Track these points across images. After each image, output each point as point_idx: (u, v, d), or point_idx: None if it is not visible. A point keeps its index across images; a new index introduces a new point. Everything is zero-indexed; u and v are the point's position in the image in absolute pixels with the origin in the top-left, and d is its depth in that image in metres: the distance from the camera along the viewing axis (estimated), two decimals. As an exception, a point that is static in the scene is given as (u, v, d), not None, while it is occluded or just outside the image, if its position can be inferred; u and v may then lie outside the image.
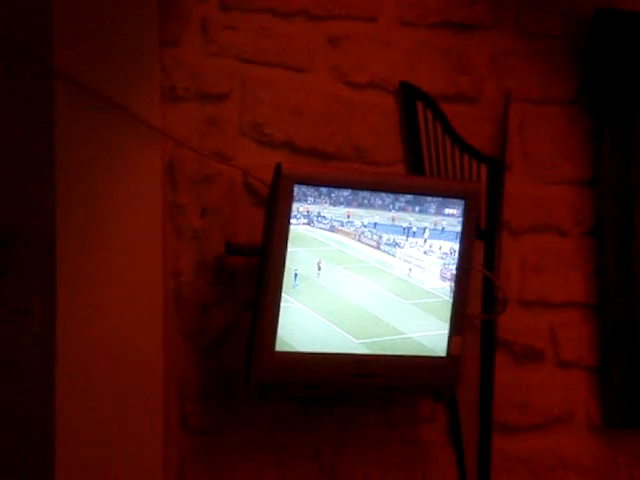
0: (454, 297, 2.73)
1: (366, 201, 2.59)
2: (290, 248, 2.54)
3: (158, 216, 2.58)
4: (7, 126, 2.53)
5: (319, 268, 2.61)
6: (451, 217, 2.67)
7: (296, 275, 2.56)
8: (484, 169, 2.93)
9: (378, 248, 2.63)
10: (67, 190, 2.48)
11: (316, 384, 2.64)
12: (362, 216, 2.60)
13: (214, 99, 2.69)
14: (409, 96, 2.88)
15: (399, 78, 2.88)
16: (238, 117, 2.72)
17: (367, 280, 2.64)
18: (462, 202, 2.72)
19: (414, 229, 2.65)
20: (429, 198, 2.66)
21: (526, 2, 3.01)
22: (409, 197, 2.63)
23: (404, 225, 2.64)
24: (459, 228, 2.70)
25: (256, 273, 2.59)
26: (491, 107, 2.96)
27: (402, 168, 2.88)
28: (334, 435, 2.76)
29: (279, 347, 2.56)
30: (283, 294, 2.54)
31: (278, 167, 2.56)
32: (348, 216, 2.58)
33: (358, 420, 2.79)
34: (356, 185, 2.64)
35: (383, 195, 2.62)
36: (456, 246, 2.70)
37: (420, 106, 2.89)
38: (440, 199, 2.68)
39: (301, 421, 2.73)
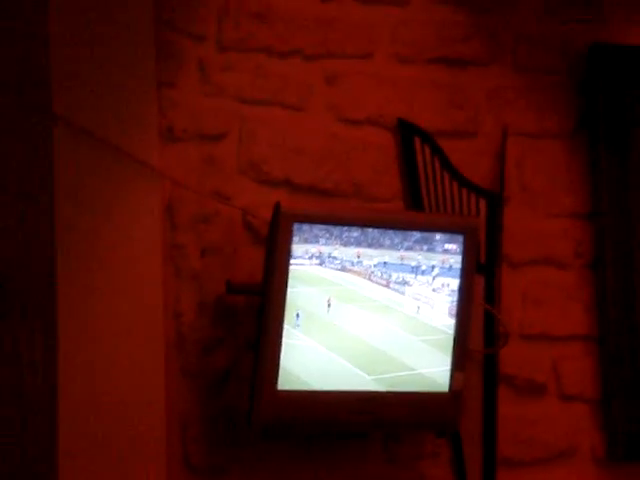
0: (455, 333, 2.73)
1: (375, 241, 2.63)
2: (301, 287, 2.56)
3: (158, 257, 2.59)
4: (7, 169, 2.53)
5: (329, 305, 2.62)
6: (452, 253, 2.68)
7: (298, 315, 2.58)
8: (483, 203, 2.94)
9: (388, 287, 2.67)
10: (67, 232, 2.48)
11: (318, 422, 2.64)
12: (372, 256, 2.64)
13: (212, 139, 2.71)
14: (407, 132, 2.89)
15: (396, 115, 2.89)
16: (236, 156, 2.74)
17: (377, 317, 2.68)
18: (461, 237, 2.73)
19: (423, 267, 2.69)
20: (437, 237, 2.68)
21: (522, 37, 3.03)
22: (417, 236, 2.67)
23: (412, 264, 2.69)
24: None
25: (257, 312, 2.59)
26: (489, 142, 2.98)
27: (401, 204, 2.89)
28: (337, 472, 2.76)
29: (284, 385, 2.56)
30: (291, 331, 2.55)
31: (277, 206, 2.57)
32: (358, 256, 2.63)
33: (361, 456, 2.79)
34: (355, 222, 2.65)
35: (392, 234, 2.65)
36: (463, 283, 2.72)
37: (418, 142, 2.90)
38: (445, 236, 2.68)
39: (304, 459, 2.72)
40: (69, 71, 2.52)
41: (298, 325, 2.59)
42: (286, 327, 2.56)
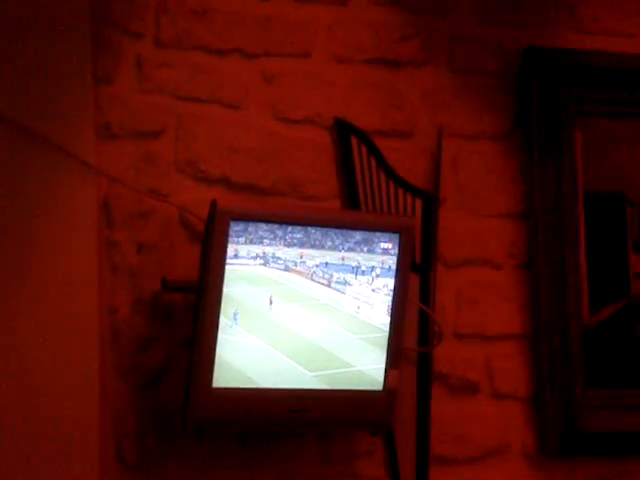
0: (390, 331, 2.76)
1: (318, 242, 2.67)
2: (245, 286, 2.58)
3: (94, 253, 2.58)
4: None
5: (271, 302, 2.64)
6: (391, 254, 2.72)
7: (235, 314, 2.59)
8: (419, 203, 2.96)
9: (329, 286, 2.72)
10: (1, 227, 2.46)
11: (253, 420, 2.64)
12: (314, 256, 2.68)
13: (149, 136, 2.70)
14: (343, 132, 2.91)
15: (333, 114, 2.90)
16: (173, 154, 2.73)
17: (318, 316, 2.71)
18: (397, 236, 2.75)
19: (363, 268, 2.73)
20: (376, 238, 2.71)
21: (458, 39, 3.06)
22: (358, 238, 2.71)
23: (353, 264, 2.73)
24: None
25: (193, 310, 2.59)
26: (425, 142, 3.00)
27: (337, 203, 2.90)
28: (272, 471, 2.76)
29: (221, 381, 2.56)
30: (232, 328, 2.57)
31: (213, 203, 2.57)
32: (301, 256, 2.67)
33: (296, 455, 2.80)
34: (290, 220, 2.66)
35: (333, 236, 2.69)
36: (401, 283, 2.75)
37: (354, 141, 2.91)
38: (381, 235, 2.71)
39: (239, 457, 2.72)
40: (4, 66, 2.50)
41: (235, 324, 2.59)
42: (225, 323, 2.56)
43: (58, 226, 2.54)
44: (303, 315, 2.69)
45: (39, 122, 2.51)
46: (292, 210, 2.73)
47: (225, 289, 2.56)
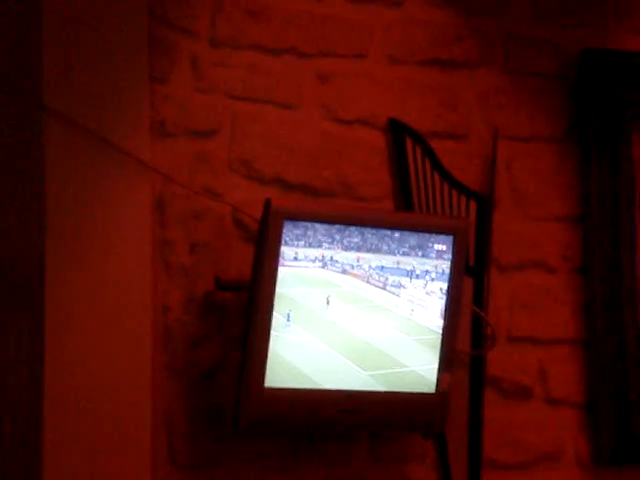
0: (443, 333, 2.74)
1: (374, 246, 2.70)
2: (304, 287, 2.62)
3: (147, 252, 2.58)
4: (-3, 161, 2.54)
5: (328, 303, 2.66)
6: (445, 258, 2.74)
7: (289, 314, 2.60)
8: (473, 205, 2.94)
9: (384, 289, 2.74)
10: (57, 224, 2.47)
11: (304, 420, 2.64)
12: (370, 260, 2.71)
13: (203, 135, 2.70)
14: (398, 132, 2.90)
15: (388, 115, 2.89)
16: (227, 153, 2.73)
17: (373, 317, 2.74)
18: (451, 238, 2.73)
19: (417, 272, 2.75)
20: (430, 243, 2.73)
21: (514, 40, 3.04)
22: (412, 242, 2.73)
23: (408, 268, 2.74)
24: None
25: (245, 309, 2.58)
26: (479, 144, 2.98)
27: (391, 204, 2.89)
28: (323, 472, 2.75)
29: (270, 382, 2.56)
30: (288, 327, 2.60)
31: (267, 203, 2.57)
32: (358, 260, 2.69)
33: (347, 457, 2.78)
34: (343, 220, 2.66)
35: (388, 240, 2.70)
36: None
37: (409, 142, 2.90)
38: (434, 237, 2.72)
39: (289, 458, 2.72)
40: (61, 64, 2.51)
41: (289, 323, 2.60)
42: (279, 322, 2.57)
43: (113, 224, 2.54)
44: (358, 316, 2.71)
45: (95, 120, 2.52)
46: (345, 210, 2.73)
47: (283, 289, 2.57)
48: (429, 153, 2.91)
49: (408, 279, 2.74)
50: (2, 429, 2.49)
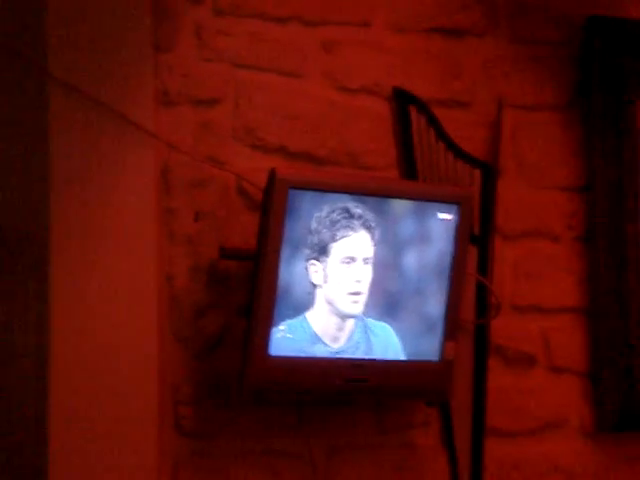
0: (447, 302, 2.74)
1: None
2: None
3: (152, 220, 2.58)
4: (2, 128, 2.53)
5: None
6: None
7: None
8: (477, 174, 2.94)
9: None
10: (61, 192, 2.48)
11: (309, 388, 2.65)
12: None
13: (207, 104, 2.70)
14: (402, 101, 2.89)
15: (392, 83, 2.88)
16: (231, 122, 2.73)
17: None
18: (456, 207, 2.73)
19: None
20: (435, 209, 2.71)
21: (518, 9, 3.03)
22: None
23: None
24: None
25: (250, 277, 2.59)
26: (484, 112, 2.97)
27: (395, 173, 2.89)
28: (328, 439, 2.76)
29: (274, 351, 2.57)
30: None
31: (272, 172, 2.57)
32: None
33: (352, 424, 2.79)
34: (349, 189, 2.65)
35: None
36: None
37: (413, 111, 2.89)
38: (439, 206, 2.71)
39: (295, 425, 2.73)
40: (65, 32, 2.50)
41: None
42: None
43: (117, 193, 2.54)
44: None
45: (99, 88, 2.52)
46: (350, 179, 2.72)
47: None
48: (433, 122, 2.90)
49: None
50: (8, 396, 2.50)
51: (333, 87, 2.83)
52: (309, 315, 2.62)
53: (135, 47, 2.58)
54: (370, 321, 2.69)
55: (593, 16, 3.03)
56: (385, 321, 2.70)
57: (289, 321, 2.60)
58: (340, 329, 2.66)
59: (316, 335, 2.63)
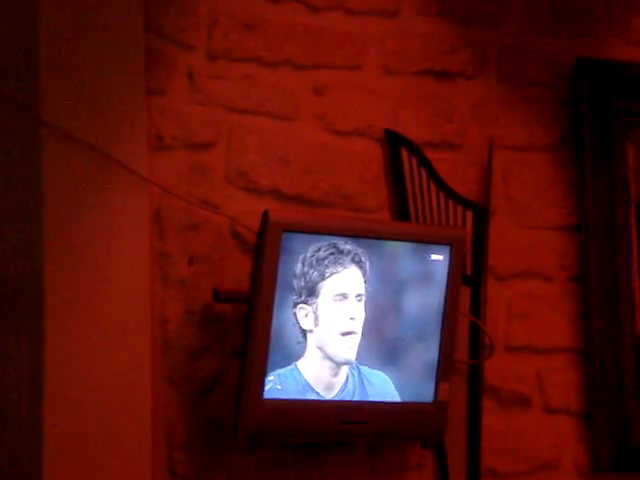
0: (440, 343, 2.74)
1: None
2: None
3: (145, 264, 2.59)
4: (-5, 174, 2.55)
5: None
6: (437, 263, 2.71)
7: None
8: (469, 215, 2.95)
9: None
10: (55, 236, 2.48)
11: (303, 431, 2.64)
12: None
13: (200, 147, 2.71)
14: (394, 143, 2.91)
15: (384, 126, 2.90)
16: (224, 165, 2.74)
17: None
18: (448, 248, 2.74)
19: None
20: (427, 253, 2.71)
21: (508, 51, 3.05)
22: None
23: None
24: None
25: (244, 321, 2.59)
26: (475, 154, 2.99)
27: (388, 215, 2.90)
28: (322, 482, 2.76)
29: (268, 395, 2.56)
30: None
31: (265, 214, 2.58)
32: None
33: (346, 467, 2.78)
34: (342, 232, 2.66)
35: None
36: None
37: (405, 153, 2.91)
38: (431, 247, 2.71)
39: (289, 468, 2.72)
40: (58, 77, 2.52)
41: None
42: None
43: (111, 237, 2.55)
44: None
45: (92, 133, 2.53)
46: (343, 222, 2.73)
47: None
48: (425, 163, 2.92)
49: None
50: (3, 438, 2.49)
51: (325, 130, 2.85)
52: (300, 364, 2.61)
53: (128, 91, 2.60)
54: (365, 369, 2.67)
55: (581, 57, 3.06)
56: (381, 369, 2.69)
57: (279, 370, 2.58)
58: (334, 374, 2.64)
59: (308, 384, 2.61)
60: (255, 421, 2.57)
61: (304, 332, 2.61)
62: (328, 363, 2.63)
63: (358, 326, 2.65)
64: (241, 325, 2.61)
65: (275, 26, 2.80)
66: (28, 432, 2.46)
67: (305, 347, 2.61)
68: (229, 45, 2.75)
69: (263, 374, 2.56)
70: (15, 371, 2.49)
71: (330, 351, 2.63)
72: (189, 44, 2.71)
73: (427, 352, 2.73)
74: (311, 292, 2.59)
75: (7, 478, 2.48)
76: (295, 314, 2.58)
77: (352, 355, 2.65)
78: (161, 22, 2.67)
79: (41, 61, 2.50)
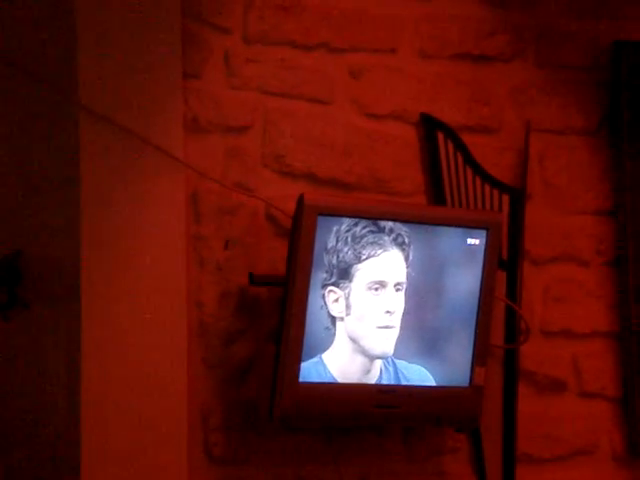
0: (476, 327, 2.73)
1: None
2: None
3: (181, 247, 2.59)
4: (33, 158, 2.56)
5: None
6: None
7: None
8: (505, 199, 2.93)
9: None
10: (92, 221, 2.49)
11: (338, 415, 2.64)
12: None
13: (236, 131, 2.71)
14: (430, 127, 2.89)
15: (420, 109, 2.89)
16: (260, 149, 2.74)
17: None
18: (484, 232, 2.73)
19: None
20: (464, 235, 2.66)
21: (545, 34, 3.03)
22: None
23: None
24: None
25: (280, 304, 2.59)
26: (512, 138, 2.98)
27: (423, 199, 2.89)
28: (357, 466, 2.76)
29: (304, 377, 2.56)
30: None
31: (301, 198, 2.57)
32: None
33: (381, 451, 2.79)
34: (377, 216, 2.64)
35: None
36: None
37: (441, 137, 2.90)
38: (468, 231, 2.68)
39: (324, 452, 2.72)
40: (96, 61, 2.53)
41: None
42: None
43: (147, 220, 2.56)
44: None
45: (129, 117, 2.54)
46: (378, 205, 2.72)
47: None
48: (461, 147, 2.91)
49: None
50: (41, 425, 2.51)
51: (361, 113, 2.84)
52: (326, 356, 2.55)
53: (165, 75, 2.60)
54: (401, 363, 2.61)
55: (619, 41, 3.03)
56: (419, 363, 2.63)
57: (302, 364, 2.50)
58: (366, 372, 2.56)
59: (334, 381, 2.53)
60: (290, 404, 2.57)
61: (333, 319, 2.52)
62: (360, 358, 2.55)
63: (396, 320, 2.55)
64: (276, 308, 2.62)
65: (311, 9, 2.79)
66: (66, 415, 2.48)
67: (333, 336, 2.51)
68: (265, 28, 2.75)
69: (299, 357, 2.56)
70: (53, 355, 2.51)
71: (365, 343, 2.51)
72: (225, 28, 2.71)
73: (463, 337, 2.72)
74: (343, 274, 2.47)
75: (46, 462, 2.50)
76: (324, 296, 2.47)
77: (390, 348, 2.56)
78: (198, 6, 2.67)
79: (79, 46, 2.51)
